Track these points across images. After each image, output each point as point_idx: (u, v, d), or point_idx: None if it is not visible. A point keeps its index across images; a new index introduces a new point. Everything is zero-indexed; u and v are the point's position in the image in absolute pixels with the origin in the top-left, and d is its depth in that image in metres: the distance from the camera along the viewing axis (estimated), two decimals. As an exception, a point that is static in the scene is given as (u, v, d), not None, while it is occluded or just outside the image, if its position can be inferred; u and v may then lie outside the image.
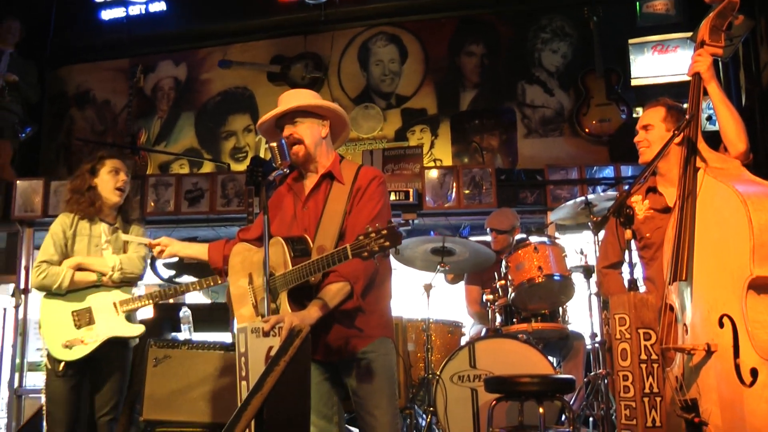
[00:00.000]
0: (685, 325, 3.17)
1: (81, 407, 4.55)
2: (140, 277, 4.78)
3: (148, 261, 4.85)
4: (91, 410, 4.55)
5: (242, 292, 3.57)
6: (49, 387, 4.49)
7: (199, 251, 3.87)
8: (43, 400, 4.59)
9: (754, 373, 2.80)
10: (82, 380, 4.54)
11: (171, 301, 7.48)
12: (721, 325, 2.94)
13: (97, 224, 4.69)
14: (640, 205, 4.03)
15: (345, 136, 3.76)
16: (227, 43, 9.44)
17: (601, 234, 4.79)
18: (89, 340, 4.46)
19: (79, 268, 4.56)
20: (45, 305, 4.60)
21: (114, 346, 4.55)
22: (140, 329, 4.64)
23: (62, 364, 4.43)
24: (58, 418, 4.42)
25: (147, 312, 5.13)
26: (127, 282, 4.68)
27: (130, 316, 4.63)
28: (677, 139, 3.48)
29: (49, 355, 4.48)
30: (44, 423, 4.56)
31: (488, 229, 6.43)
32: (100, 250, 4.65)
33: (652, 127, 4.00)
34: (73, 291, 4.55)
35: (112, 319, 4.55)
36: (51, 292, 4.56)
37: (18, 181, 7.70)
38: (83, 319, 4.50)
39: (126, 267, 4.61)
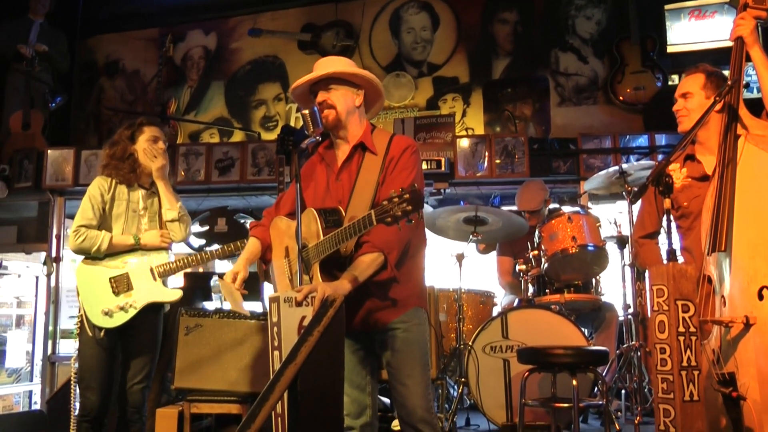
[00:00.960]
0: (723, 297, 3.11)
1: (114, 375, 4.55)
2: (185, 238, 4.77)
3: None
4: (123, 378, 4.54)
5: (280, 266, 3.56)
6: (84, 354, 4.48)
7: (253, 252, 3.67)
8: (75, 366, 4.60)
9: (795, 347, 2.75)
10: (115, 347, 4.55)
11: (201, 270, 7.52)
12: (761, 297, 2.89)
13: (135, 190, 4.67)
14: (677, 173, 3.96)
15: (379, 106, 3.70)
16: (257, 12, 9.40)
17: (637, 204, 4.71)
18: (128, 308, 4.46)
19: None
20: (82, 271, 4.59)
21: (147, 313, 4.54)
22: (177, 294, 4.63)
23: (102, 331, 4.42)
24: (92, 385, 4.41)
25: (178, 281, 5.13)
26: (172, 239, 4.68)
27: (165, 281, 4.62)
28: (717, 106, 3.41)
29: (88, 322, 4.45)
30: (77, 389, 4.57)
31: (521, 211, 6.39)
32: (138, 216, 4.64)
33: (692, 95, 3.90)
34: (110, 255, 4.54)
35: (150, 284, 4.55)
36: (88, 258, 4.55)
37: (49, 151, 7.74)
38: (121, 285, 4.50)
39: (184, 216, 4.70)
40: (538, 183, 6.58)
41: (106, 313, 4.43)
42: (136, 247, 4.58)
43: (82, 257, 4.62)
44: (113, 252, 4.54)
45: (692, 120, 3.78)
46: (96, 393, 4.41)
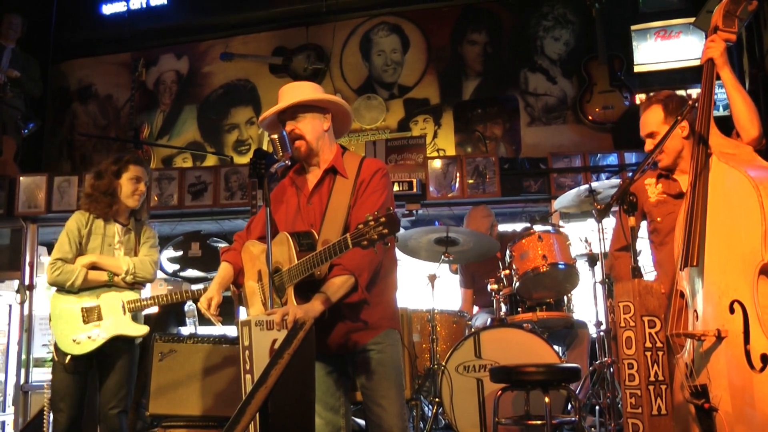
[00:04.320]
0: (695, 311, 3.15)
1: (86, 401, 4.67)
2: (151, 281, 4.89)
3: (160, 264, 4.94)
4: (100, 404, 4.63)
5: (252, 291, 3.55)
6: (55, 379, 4.62)
7: (225, 277, 3.66)
8: (48, 392, 4.70)
9: (764, 358, 2.79)
10: (87, 374, 4.66)
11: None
12: (732, 310, 2.92)
13: (112, 224, 4.78)
14: (652, 188, 3.99)
15: (347, 127, 3.73)
16: (229, 36, 9.43)
17: (605, 222, 4.75)
18: (96, 337, 4.57)
19: (93, 267, 4.67)
20: (56, 300, 4.70)
21: (120, 342, 4.64)
22: (144, 329, 4.73)
23: (69, 357, 4.54)
24: (61, 407, 4.55)
25: (153, 307, 5.16)
26: (139, 284, 4.79)
27: (136, 316, 4.73)
28: (684, 132, 3.47)
29: (57, 348, 4.59)
30: (50, 414, 4.66)
31: None
32: (113, 250, 4.76)
33: (658, 134, 3.90)
34: (86, 289, 4.65)
35: (119, 317, 4.65)
36: (64, 289, 4.65)
37: (21, 177, 7.69)
38: (92, 315, 4.62)
39: (138, 271, 4.73)
40: (482, 210, 6.59)
41: (75, 341, 4.56)
42: (110, 283, 4.69)
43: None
44: (88, 287, 4.65)
45: (669, 155, 3.85)
46: (65, 415, 4.55)
